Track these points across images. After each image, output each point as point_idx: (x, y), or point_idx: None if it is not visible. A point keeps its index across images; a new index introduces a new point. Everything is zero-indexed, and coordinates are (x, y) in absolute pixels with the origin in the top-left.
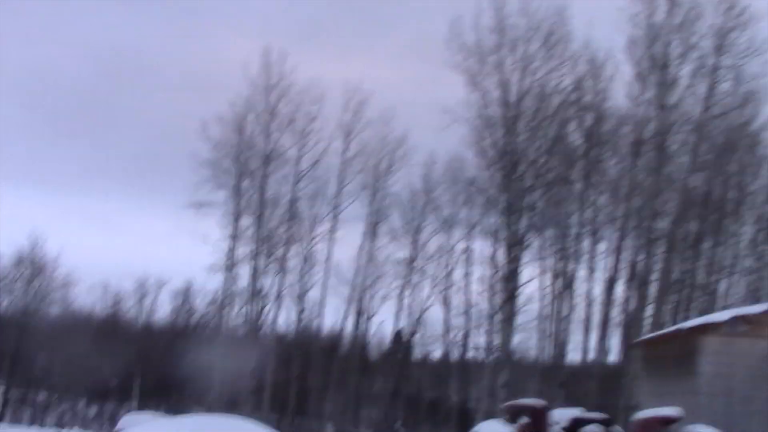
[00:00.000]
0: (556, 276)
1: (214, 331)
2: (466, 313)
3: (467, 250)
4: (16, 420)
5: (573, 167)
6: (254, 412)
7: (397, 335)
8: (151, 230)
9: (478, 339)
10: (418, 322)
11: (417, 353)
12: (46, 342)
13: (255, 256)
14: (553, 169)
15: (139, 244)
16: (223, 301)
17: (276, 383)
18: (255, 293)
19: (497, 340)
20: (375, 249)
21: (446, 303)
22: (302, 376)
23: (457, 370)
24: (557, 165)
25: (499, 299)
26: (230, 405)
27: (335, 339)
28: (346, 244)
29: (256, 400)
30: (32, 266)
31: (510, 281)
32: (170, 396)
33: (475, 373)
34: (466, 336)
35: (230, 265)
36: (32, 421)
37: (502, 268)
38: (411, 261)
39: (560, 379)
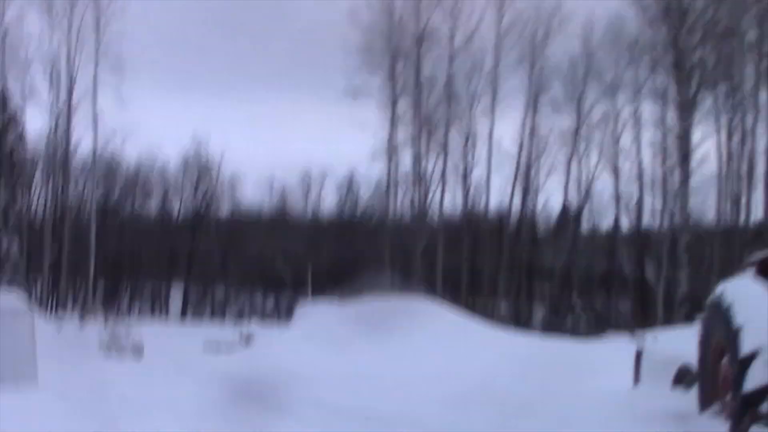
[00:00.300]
0: (731, 133)
1: (381, 218)
2: (639, 179)
3: (635, 114)
4: (197, 316)
5: (744, 15)
6: (427, 295)
7: (565, 209)
8: (311, 124)
9: (653, 206)
10: (586, 193)
11: (587, 226)
12: (219, 240)
13: (415, 139)
14: (723, 19)
15: (299, 139)
16: (388, 187)
17: (447, 266)
18: (418, 177)
19: (674, 205)
20: (537, 122)
21: (615, 171)
22: (472, 257)
23: (630, 240)
24: (727, 15)
25: (673, 162)
26: (403, 290)
27: (503, 217)
28: (507, 120)
29: (428, 283)
30: (199, 168)
31: (683, 142)
32: (342, 285)
33: (650, 241)
34: (639, 204)
35: (391, 151)
36: (212, 317)
37: (674, 129)
38: (576, 131)
39: (745, 240)
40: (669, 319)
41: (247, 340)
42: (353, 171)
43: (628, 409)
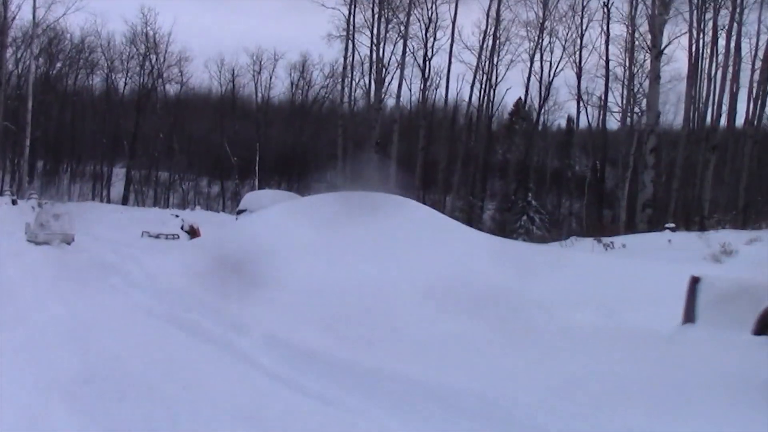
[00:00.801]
0: (703, 31)
1: (334, 105)
2: (606, 76)
3: (606, 5)
4: (140, 202)
5: None
6: (378, 187)
7: (522, 102)
8: (264, 6)
9: (618, 105)
10: (548, 88)
11: (544, 122)
12: (165, 121)
13: (375, 21)
14: None
15: (251, 21)
16: (343, 72)
17: (400, 157)
18: (376, 62)
19: (640, 104)
20: (502, 10)
21: (579, 67)
22: (427, 148)
23: (590, 139)
24: None
25: (641, 59)
26: (353, 181)
27: (460, 109)
28: (469, 8)
29: (380, 175)
30: (146, 42)
31: (655, 39)
32: (291, 174)
33: (611, 141)
34: (603, 101)
35: (349, 34)
36: (155, 202)
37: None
38: (541, 23)
39: (713, 143)
40: (630, 225)
41: (191, 233)
42: (307, 54)
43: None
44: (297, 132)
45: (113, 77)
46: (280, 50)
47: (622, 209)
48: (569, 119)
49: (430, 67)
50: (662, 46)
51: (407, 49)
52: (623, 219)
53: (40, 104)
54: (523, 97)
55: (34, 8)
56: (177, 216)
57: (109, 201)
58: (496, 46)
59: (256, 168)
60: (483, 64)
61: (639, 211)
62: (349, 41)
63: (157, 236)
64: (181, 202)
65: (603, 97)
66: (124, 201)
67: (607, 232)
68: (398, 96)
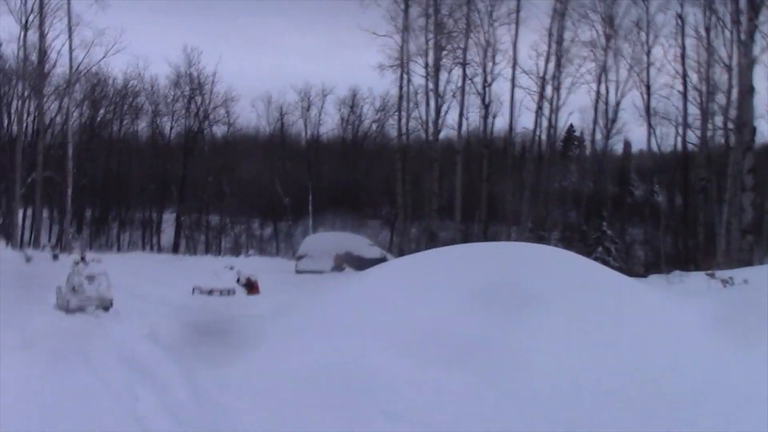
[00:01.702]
0: None
1: (386, 138)
2: (684, 93)
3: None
4: (190, 248)
5: None
6: (444, 220)
7: (572, 128)
8: (310, 36)
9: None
10: (615, 111)
11: (608, 147)
12: (213, 163)
13: (429, 49)
14: None
15: (297, 54)
16: (399, 103)
17: (463, 188)
18: (433, 91)
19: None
20: (563, 30)
21: (647, 86)
22: (489, 178)
23: (670, 162)
24: None
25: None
26: (415, 216)
27: (521, 136)
28: (528, 25)
29: (444, 207)
30: (191, 83)
31: (747, 48)
32: (344, 212)
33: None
34: (683, 119)
35: (402, 63)
36: (207, 248)
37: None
38: (604, 42)
39: None
40: (727, 254)
41: (249, 288)
42: (356, 88)
43: None
44: (349, 168)
45: (159, 121)
46: (329, 85)
47: (721, 236)
48: (626, 142)
49: (490, 93)
50: (755, 55)
51: (465, 76)
52: (722, 247)
53: (85, 152)
54: (586, 121)
55: (71, 53)
56: (232, 268)
57: (159, 248)
58: (557, 69)
59: (309, 207)
60: (544, 88)
61: (739, 238)
62: (403, 71)
63: (210, 292)
64: (234, 246)
65: (683, 116)
66: (175, 248)
67: (703, 264)
68: (459, 125)
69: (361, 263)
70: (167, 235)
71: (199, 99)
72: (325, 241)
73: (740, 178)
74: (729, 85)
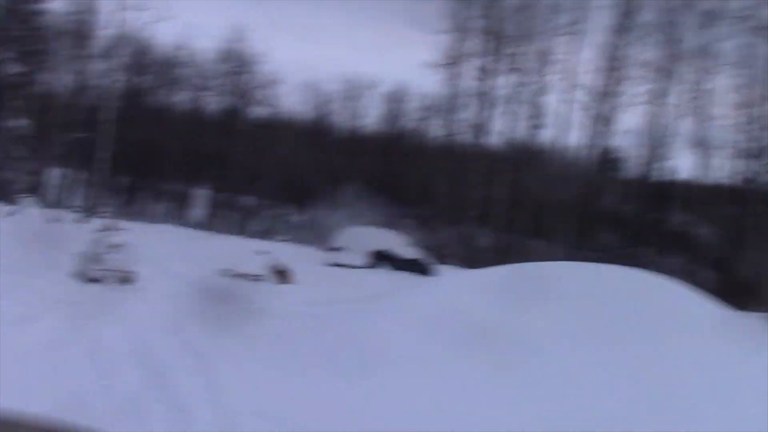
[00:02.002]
0: None
1: (432, 138)
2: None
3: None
4: (221, 227)
5: None
6: (481, 229)
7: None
8: (361, 31)
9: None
10: (666, 133)
11: (657, 170)
12: (251, 144)
13: (481, 52)
14: None
15: (347, 49)
16: (446, 103)
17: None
18: (480, 95)
19: None
20: (620, 48)
21: (703, 114)
22: (534, 192)
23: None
24: None
25: None
26: (454, 221)
27: (569, 151)
28: (587, 42)
29: (482, 218)
30: (237, 61)
31: None
32: (381, 207)
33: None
34: (740, 153)
35: (452, 63)
36: (238, 229)
37: None
38: (665, 63)
39: None
40: None
41: (280, 277)
42: (404, 84)
43: None
44: (388, 164)
45: (200, 95)
46: (375, 79)
47: None
48: (673, 168)
49: (541, 103)
50: None
51: (517, 82)
52: None
53: (125, 118)
54: (635, 142)
55: (120, 15)
56: (263, 253)
57: (189, 224)
58: (612, 85)
59: (346, 199)
60: (596, 103)
61: None
62: (454, 71)
63: (240, 276)
64: (264, 231)
65: (739, 148)
66: (205, 225)
67: (750, 303)
68: (506, 132)
69: (397, 263)
70: (198, 211)
71: (243, 77)
72: (362, 236)
73: None
74: None
